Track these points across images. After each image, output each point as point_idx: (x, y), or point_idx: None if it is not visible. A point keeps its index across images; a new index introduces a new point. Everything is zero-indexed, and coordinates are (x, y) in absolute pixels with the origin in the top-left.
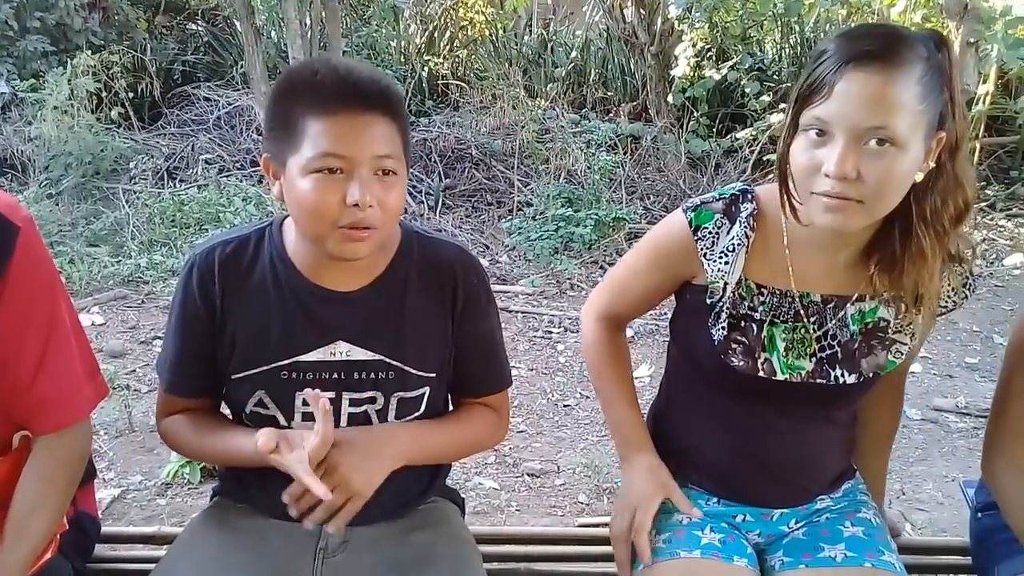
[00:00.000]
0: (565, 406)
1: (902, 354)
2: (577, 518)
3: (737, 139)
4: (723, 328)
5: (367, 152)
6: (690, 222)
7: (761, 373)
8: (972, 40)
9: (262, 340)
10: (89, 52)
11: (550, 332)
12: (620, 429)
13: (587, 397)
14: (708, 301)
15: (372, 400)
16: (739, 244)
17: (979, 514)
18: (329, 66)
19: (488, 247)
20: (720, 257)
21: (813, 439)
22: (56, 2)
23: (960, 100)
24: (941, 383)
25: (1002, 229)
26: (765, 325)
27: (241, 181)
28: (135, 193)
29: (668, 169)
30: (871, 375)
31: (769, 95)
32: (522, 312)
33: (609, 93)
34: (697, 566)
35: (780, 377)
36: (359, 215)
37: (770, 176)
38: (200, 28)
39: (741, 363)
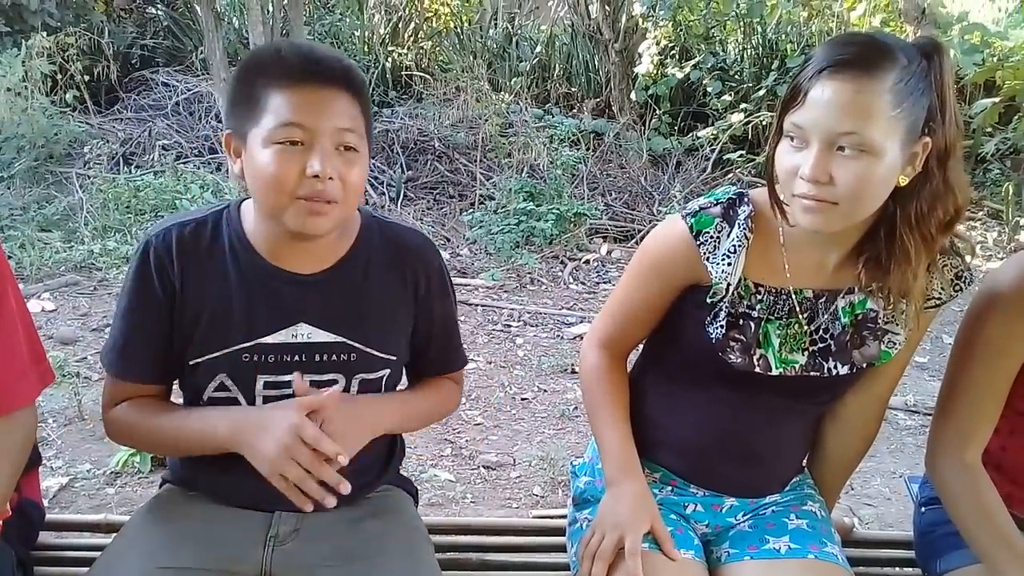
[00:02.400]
0: (523, 399)
1: (895, 344)
2: (532, 510)
3: (698, 138)
4: (721, 326)
5: (329, 124)
6: (690, 227)
7: (757, 369)
8: None
9: (223, 323)
10: (44, 34)
11: (509, 326)
12: (612, 453)
13: (544, 391)
14: (708, 301)
15: (334, 383)
16: (739, 245)
17: (923, 508)
18: (293, 45)
19: (449, 240)
20: (723, 259)
21: (786, 432)
22: None
23: (953, 106)
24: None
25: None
26: (761, 323)
27: (199, 168)
28: (89, 178)
29: (630, 166)
30: (864, 366)
31: (731, 95)
32: (482, 305)
33: (573, 89)
34: (646, 558)
35: (775, 372)
36: (319, 187)
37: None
38: (160, 12)
39: (739, 360)
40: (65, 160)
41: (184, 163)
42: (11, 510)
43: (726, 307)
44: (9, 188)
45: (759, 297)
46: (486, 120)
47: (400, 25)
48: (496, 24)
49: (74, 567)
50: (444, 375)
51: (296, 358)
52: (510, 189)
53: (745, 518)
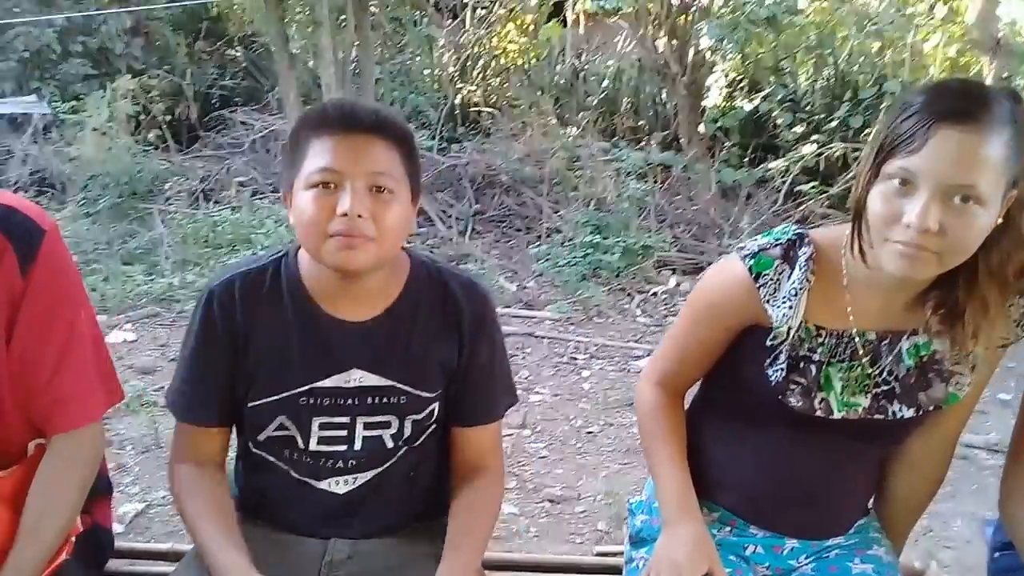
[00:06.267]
0: (588, 432)
1: (963, 386)
2: (595, 546)
3: (769, 169)
4: (782, 369)
5: (360, 168)
6: (750, 269)
7: (819, 412)
8: (1005, 75)
9: (282, 368)
10: (129, 76)
11: (575, 358)
12: (669, 493)
13: (610, 424)
14: (768, 343)
15: (387, 424)
16: (801, 288)
17: (996, 553)
18: (340, 103)
19: (516, 272)
20: (784, 302)
21: (849, 474)
22: (98, 27)
23: None
24: (973, 419)
25: None
26: (823, 366)
27: (274, 204)
28: (170, 214)
29: (699, 198)
30: (931, 408)
31: (802, 126)
32: (548, 338)
33: (640, 122)
34: None
35: (837, 415)
36: (348, 224)
37: (802, 207)
38: (239, 54)
39: (800, 403)
40: (147, 197)
41: (260, 199)
42: (82, 532)
43: (787, 350)
44: (95, 223)
45: (820, 340)
46: (553, 154)
47: (469, 63)
48: (564, 60)
49: None
50: (475, 426)
51: (350, 402)
52: (577, 222)
53: (807, 561)
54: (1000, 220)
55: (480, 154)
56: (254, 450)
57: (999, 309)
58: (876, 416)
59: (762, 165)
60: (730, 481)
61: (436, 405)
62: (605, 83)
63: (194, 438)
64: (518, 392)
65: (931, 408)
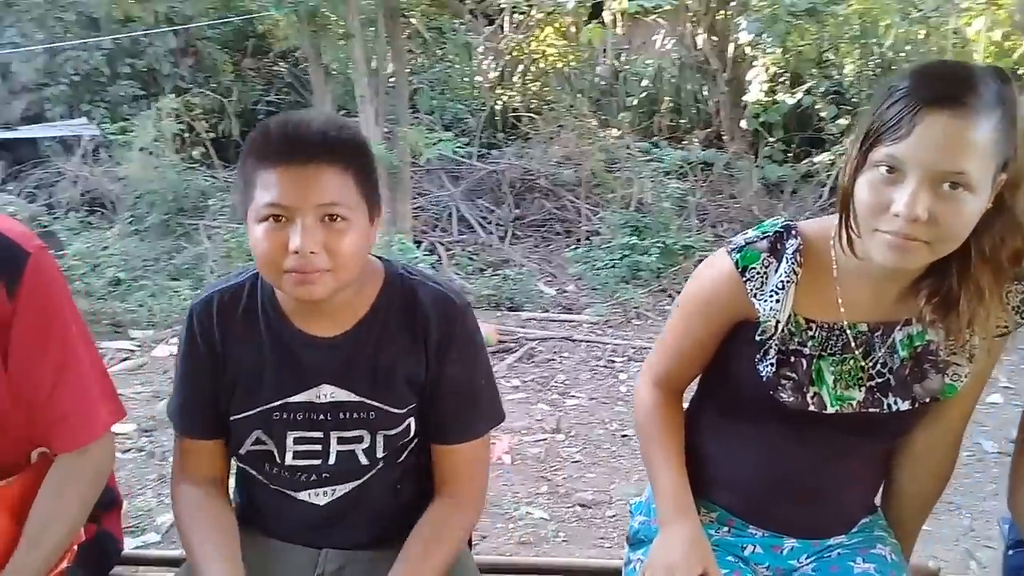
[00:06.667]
0: (623, 436)
1: (960, 377)
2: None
3: (814, 164)
4: (771, 364)
5: (309, 201)
6: (736, 263)
7: (811, 407)
8: None
9: (256, 383)
10: (172, 95)
11: (613, 362)
12: (665, 493)
13: None
14: (757, 338)
15: (359, 439)
16: (788, 281)
17: (1010, 551)
18: (281, 122)
19: (555, 276)
20: (771, 295)
21: (848, 470)
22: (146, 48)
23: (1020, 138)
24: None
25: None
26: (814, 359)
27: None
28: (215, 229)
29: (741, 195)
30: (926, 400)
31: (847, 118)
32: (586, 341)
33: (682, 121)
34: None
35: (831, 410)
36: (301, 261)
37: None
38: (283, 70)
39: (791, 398)
40: (193, 213)
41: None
42: (87, 540)
43: (776, 345)
44: (143, 240)
45: (810, 333)
46: (591, 156)
47: (508, 68)
48: (605, 61)
49: None
50: (454, 444)
51: (322, 416)
52: (614, 224)
53: (808, 561)
54: (991, 204)
55: (519, 159)
56: (238, 463)
57: (994, 295)
58: (871, 410)
59: (806, 160)
60: (727, 479)
61: (411, 421)
62: (645, 83)
63: (192, 453)
64: (552, 397)
65: (927, 400)
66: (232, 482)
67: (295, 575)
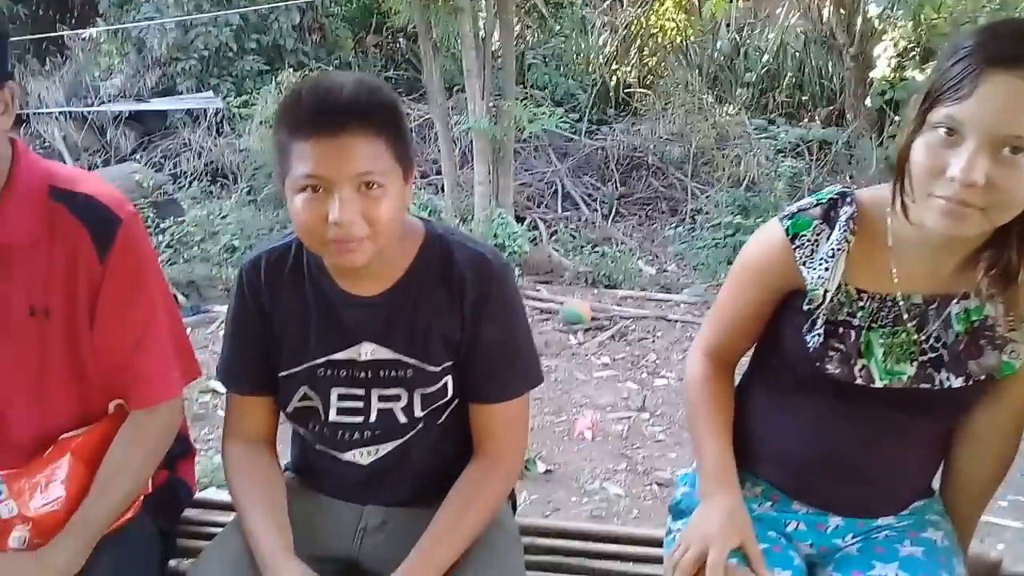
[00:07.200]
0: None
1: (1019, 355)
2: None
3: None
4: (819, 335)
5: (344, 172)
6: (787, 230)
7: (859, 380)
8: None
9: (302, 340)
10: (291, 70)
11: None
12: (708, 465)
13: None
14: (805, 308)
15: (398, 398)
16: (839, 249)
17: None
18: (312, 89)
19: (656, 256)
20: (820, 264)
21: (900, 449)
22: (271, 24)
23: None
24: None
25: None
26: (863, 331)
27: (421, 189)
28: None
29: (861, 176)
30: (981, 378)
31: None
32: (681, 321)
33: (804, 97)
34: (733, 574)
35: (879, 384)
36: (341, 231)
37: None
38: (402, 45)
39: (838, 370)
40: None
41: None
42: (160, 485)
43: (824, 314)
44: (259, 210)
45: (861, 304)
46: (703, 135)
47: (624, 43)
48: (728, 34)
49: (208, 541)
50: (492, 403)
51: (364, 374)
52: (720, 203)
53: (854, 541)
54: None
55: (628, 136)
56: (289, 421)
57: None
58: (922, 385)
59: None
60: (774, 454)
61: (448, 380)
62: (766, 58)
63: (242, 410)
64: (641, 376)
65: (982, 378)
66: (288, 443)
67: (339, 528)
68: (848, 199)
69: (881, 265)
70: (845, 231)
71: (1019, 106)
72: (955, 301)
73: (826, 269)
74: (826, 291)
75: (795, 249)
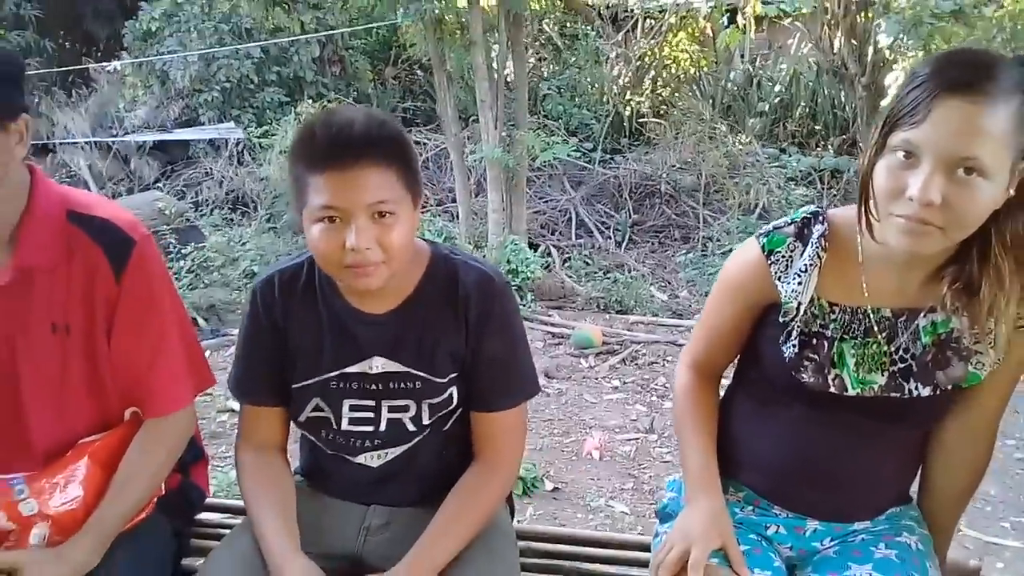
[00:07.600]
0: None
1: (984, 366)
2: None
3: None
4: (794, 346)
5: (359, 202)
6: (763, 247)
7: (832, 389)
8: None
9: (316, 354)
10: (310, 101)
11: None
12: (693, 471)
13: None
14: (781, 320)
15: (406, 408)
16: (811, 264)
17: None
18: (324, 123)
19: (669, 282)
20: (794, 278)
21: (874, 456)
22: (291, 57)
23: None
24: None
25: None
26: (836, 342)
27: (436, 216)
28: None
29: None
30: (948, 387)
31: None
32: None
33: (816, 126)
34: (715, 573)
35: (851, 392)
36: (359, 258)
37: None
38: (420, 76)
39: (812, 379)
40: None
41: (425, 212)
42: (173, 488)
43: (798, 326)
44: (278, 236)
45: (833, 316)
46: (715, 163)
47: (637, 74)
48: (741, 65)
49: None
50: (493, 411)
51: (374, 386)
52: (731, 230)
53: (831, 544)
54: (1012, 193)
55: (640, 164)
56: (300, 430)
57: (1015, 283)
58: (893, 394)
59: None
60: (754, 461)
61: (453, 390)
62: (778, 88)
63: (254, 420)
64: (650, 399)
65: (950, 387)
66: (298, 448)
67: (345, 527)
68: (820, 218)
69: (853, 280)
70: (817, 248)
71: (971, 129)
72: (922, 314)
73: (799, 283)
74: (799, 304)
75: (771, 265)
